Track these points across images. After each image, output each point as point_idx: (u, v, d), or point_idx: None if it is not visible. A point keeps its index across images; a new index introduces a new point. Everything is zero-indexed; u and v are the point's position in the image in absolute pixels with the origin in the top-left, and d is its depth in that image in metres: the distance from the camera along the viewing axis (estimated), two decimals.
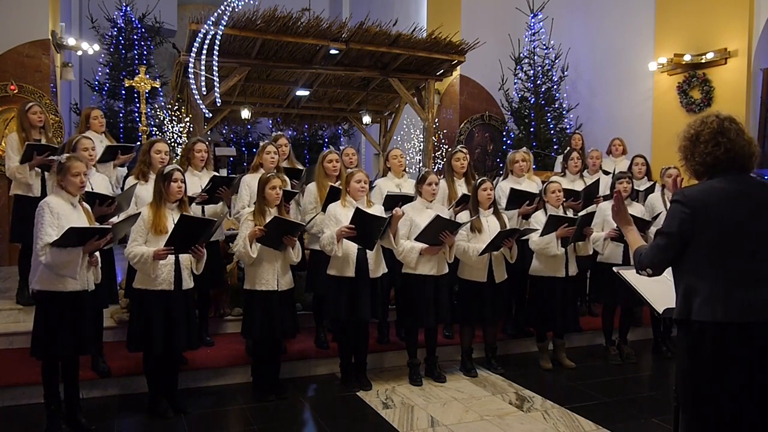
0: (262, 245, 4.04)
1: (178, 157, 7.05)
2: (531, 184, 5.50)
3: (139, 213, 3.75)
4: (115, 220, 4.14)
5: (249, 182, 4.76)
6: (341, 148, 6.95)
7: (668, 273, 3.00)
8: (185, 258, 3.82)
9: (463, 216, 4.78)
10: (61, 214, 3.38)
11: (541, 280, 4.94)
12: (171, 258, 3.74)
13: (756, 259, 2.25)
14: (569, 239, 4.77)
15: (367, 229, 4.18)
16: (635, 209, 5.15)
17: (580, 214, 5.15)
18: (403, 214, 4.36)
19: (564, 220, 4.74)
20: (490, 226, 4.67)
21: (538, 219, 4.90)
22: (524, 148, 5.94)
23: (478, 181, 4.76)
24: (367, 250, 4.32)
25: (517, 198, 5.15)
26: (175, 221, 3.70)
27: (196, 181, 4.67)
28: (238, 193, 4.81)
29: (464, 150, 5.43)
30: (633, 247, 2.52)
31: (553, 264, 4.87)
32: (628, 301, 5.03)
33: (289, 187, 4.70)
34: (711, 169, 2.32)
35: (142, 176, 4.48)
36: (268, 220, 4.02)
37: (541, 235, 4.77)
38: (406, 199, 4.83)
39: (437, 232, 4.34)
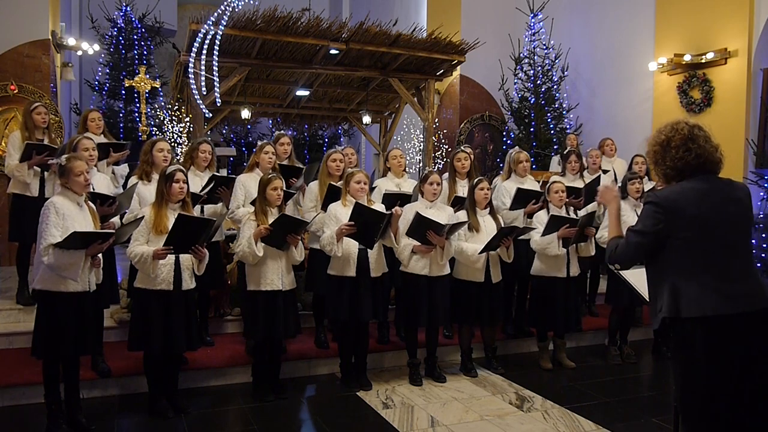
0: (265, 245, 4.04)
1: (179, 156, 7.08)
2: (533, 183, 5.50)
3: (143, 217, 3.75)
4: (116, 219, 4.15)
5: (244, 182, 4.74)
6: (338, 147, 6.95)
7: None
8: (186, 258, 3.82)
9: (460, 215, 4.78)
10: (66, 215, 3.39)
11: (543, 280, 4.93)
12: (171, 258, 3.74)
13: (735, 252, 2.32)
14: (571, 240, 4.77)
15: (367, 226, 4.17)
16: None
17: (581, 214, 5.15)
18: (402, 212, 4.35)
19: (566, 221, 4.74)
20: (487, 225, 4.67)
21: (540, 219, 4.90)
22: (516, 147, 5.93)
23: (475, 180, 4.76)
24: (369, 250, 4.32)
25: (523, 197, 5.16)
26: None
27: (198, 182, 4.66)
28: (233, 192, 4.78)
29: (466, 150, 5.42)
30: (610, 235, 2.59)
31: (554, 264, 4.87)
32: (641, 302, 5.02)
33: (285, 186, 4.68)
34: (681, 173, 2.40)
35: (146, 176, 4.47)
36: (269, 219, 4.02)
37: (543, 235, 4.76)
38: (405, 198, 4.83)
39: (422, 231, 4.33)
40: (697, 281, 2.28)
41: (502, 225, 4.77)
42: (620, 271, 3.00)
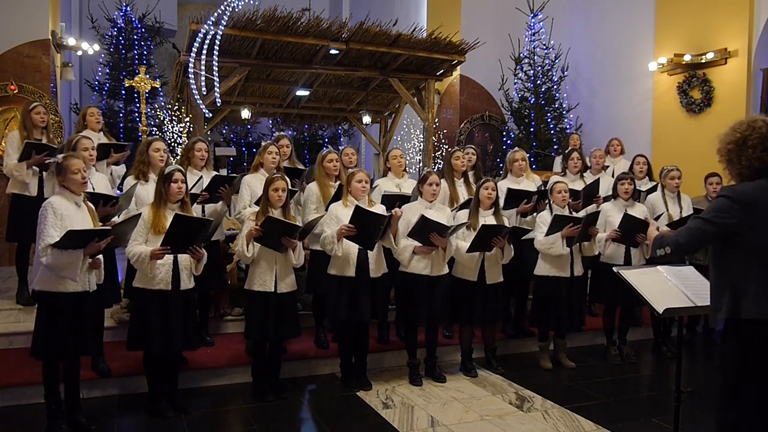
0: (261, 246, 4.04)
1: (178, 157, 7.08)
2: (530, 183, 5.50)
3: (140, 214, 3.75)
4: (116, 219, 4.14)
5: (249, 182, 4.76)
6: (341, 148, 6.95)
7: (668, 272, 3.02)
8: (184, 258, 3.82)
9: (461, 215, 4.77)
10: (64, 215, 3.38)
11: (547, 280, 4.92)
12: (169, 258, 3.74)
13: None
14: (574, 239, 4.77)
15: (367, 228, 4.17)
16: (637, 210, 5.14)
17: (581, 213, 5.14)
18: (401, 213, 4.35)
19: (569, 220, 4.74)
20: None
21: (544, 219, 4.89)
22: (516, 147, 5.93)
23: (482, 180, 4.75)
24: (368, 250, 4.32)
25: (514, 197, 5.15)
26: None
27: (195, 181, 4.65)
28: (239, 193, 4.80)
29: (467, 149, 5.41)
30: (652, 236, 2.53)
31: (558, 264, 4.86)
32: (627, 301, 5.03)
33: (290, 186, 4.69)
34: (757, 172, 2.33)
35: (142, 176, 4.47)
36: None
37: (547, 234, 4.76)
38: (404, 198, 4.83)
39: (425, 233, 4.32)
40: (762, 282, 2.22)
41: (506, 225, 4.76)
42: (621, 272, 2.98)
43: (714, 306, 2.38)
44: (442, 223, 4.35)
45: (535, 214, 5.20)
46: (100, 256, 3.56)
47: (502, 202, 5.17)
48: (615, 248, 5.08)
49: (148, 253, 3.64)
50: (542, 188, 5.42)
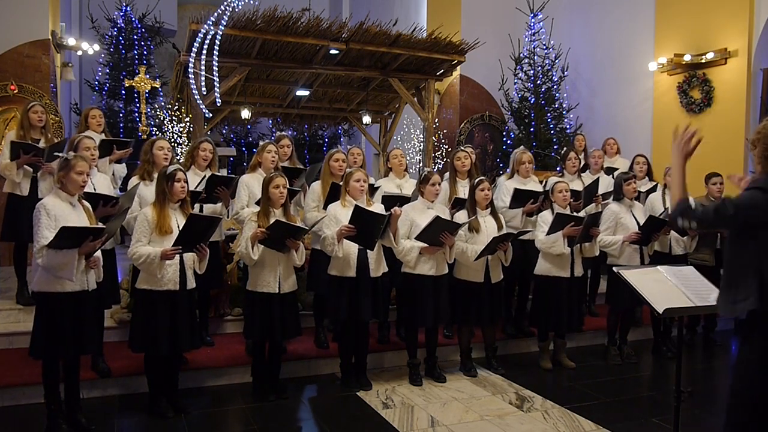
0: (265, 247, 4.04)
1: (179, 156, 7.09)
2: (536, 184, 5.49)
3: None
4: None
5: (247, 182, 4.75)
6: (348, 147, 6.95)
7: (668, 272, 3.02)
8: (189, 257, 3.82)
9: (460, 216, 4.77)
10: (58, 216, 3.36)
11: (547, 280, 4.92)
12: (176, 258, 3.73)
13: None
14: (576, 239, 4.77)
15: (367, 228, 4.17)
16: (637, 209, 5.15)
17: (582, 213, 5.14)
18: (401, 212, 4.34)
19: (571, 219, 4.75)
20: (488, 226, 4.66)
21: (545, 218, 4.90)
22: (521, 147, 5.91)
23: (476, 180, 4.74)
24: (368, 250, 4.31)
25: (521, 197, 5.16)
26: (178, 221, 3.71)
27: (198, 181, 4.65)
28: (236, 193, 4.79)
29: (466, 149, 5.42)
30: (677, 197, 2.44)
31: (558, 264, 4.87)
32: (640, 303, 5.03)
33: (288, 185, 4.67)
34: None
35: (147, 176, 4.45)
36: (272, 220, 4.01)
37: (548, 233, 4.77)
38: (404, 200, 4.83)
39: (437, 233, 4.33)
40: None
41: (503, 225, 4.76)
42: (621, 272, 2.99)
43: (732, 297, 2.31)
44: (455, 222, 4.38)
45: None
46: (98, 254, 3.55)
47: (507, 201, 5.19)
48: (632, 251, 5.07)
49: (158, 253, 3.62)
50: (544, 188, 5.41)
